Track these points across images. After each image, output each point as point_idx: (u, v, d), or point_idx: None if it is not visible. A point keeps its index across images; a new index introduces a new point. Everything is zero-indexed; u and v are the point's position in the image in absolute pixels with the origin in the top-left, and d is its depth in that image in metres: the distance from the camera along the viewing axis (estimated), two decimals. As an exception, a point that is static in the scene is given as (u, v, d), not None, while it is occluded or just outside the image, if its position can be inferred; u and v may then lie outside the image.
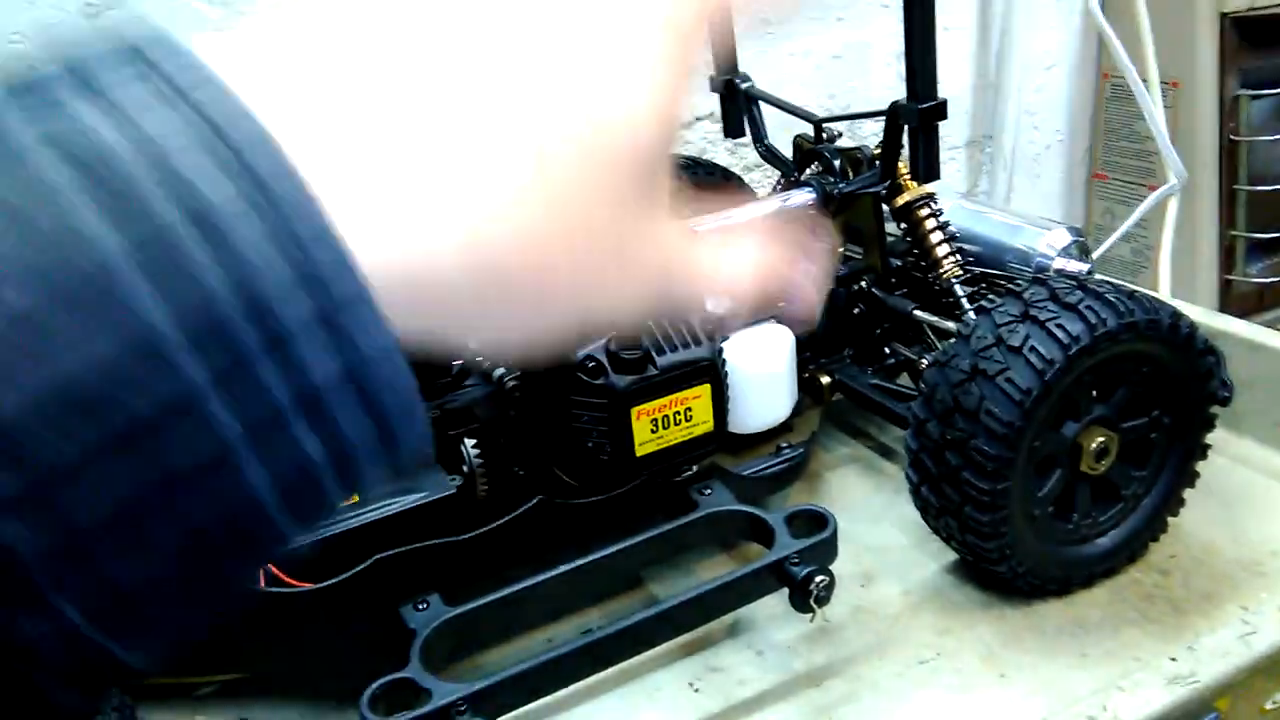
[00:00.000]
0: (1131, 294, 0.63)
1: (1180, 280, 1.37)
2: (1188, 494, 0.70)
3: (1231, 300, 1.44)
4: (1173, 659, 0.52)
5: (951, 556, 0.72)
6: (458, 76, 0.22)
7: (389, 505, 0.64)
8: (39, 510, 0.17)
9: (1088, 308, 0.61)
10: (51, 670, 0.18)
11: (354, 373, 0.20)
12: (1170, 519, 0.70)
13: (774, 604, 0.68)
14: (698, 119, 1.22)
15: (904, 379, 0.85)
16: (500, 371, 0.67)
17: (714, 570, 0.72)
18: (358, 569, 0.58)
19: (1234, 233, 1.43)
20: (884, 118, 0.73)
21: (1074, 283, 0.63)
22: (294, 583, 0.59)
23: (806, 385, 0.82)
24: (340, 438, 0.20)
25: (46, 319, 0.17)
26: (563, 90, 0.22)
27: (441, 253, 0.21)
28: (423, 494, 0.65)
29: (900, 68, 1.35)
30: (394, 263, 0.21)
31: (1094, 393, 0.65)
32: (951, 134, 1.43)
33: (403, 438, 0.21)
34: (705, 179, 1.00)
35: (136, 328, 0.17)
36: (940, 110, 0.68)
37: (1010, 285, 0.65)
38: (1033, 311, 0.61)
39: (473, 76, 0.22)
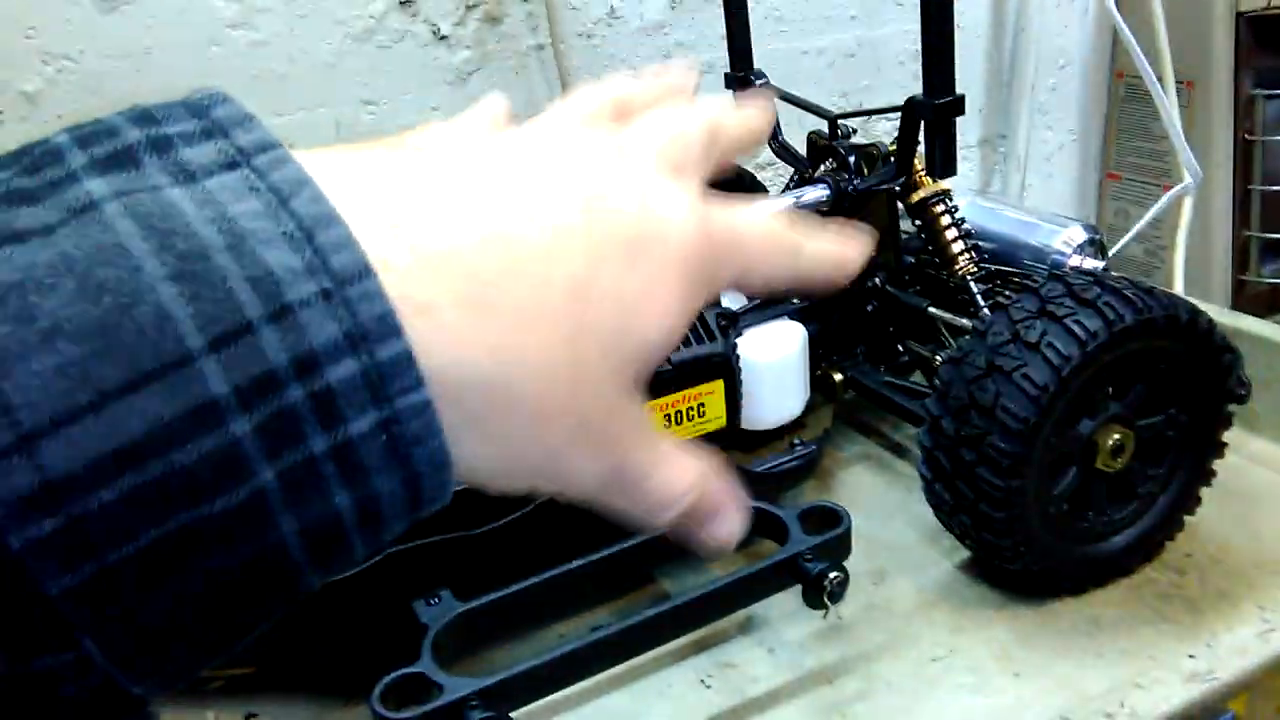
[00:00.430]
0: (1150, 290, 0.62)
1: (1194, 280, 1.36)
2: (1204, 493, 0.69)
3: (1245, 300, 1.43)
4: (1191, 656, 0.51)
5: (965, 554, 0.71)
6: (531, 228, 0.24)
7: (401, 499, 0.64)
8: (73, 550, 0.17)
9: (1106, 304, 0.60)
10: (64, 700, 0.18)
11: (389, 429, 0.20)
12: (1186, 518, 0.70)
13: (787, 601, 0.68)
14: (710, 117, 1.22)
15: (917, 376, 0.85)
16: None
17: (726, 568, 0.71)
18: (370, 563, 0.58)
19: (1248, 233, 1.42)
20: (900, 113, 0.73)
21: (1091, 279, 0.63)
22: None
23: (819, 382, 0.82)
24: (370, 492, 0.21)
25: (98, 370, 0.17)
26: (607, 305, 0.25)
27: (474, 357, 0.22)
28: (435, 488, 0.65)
29: (914, 67, 1.35)
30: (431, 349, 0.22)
31: (1110, 390, 0.64)
32: (964, 133, 1.42)
33: (429, 493, 0.22)
34: (717, 176, 1.00)
35: (190, 388, 0.18)
36: (957, 105, 0.68)
37: (1026, 282, 0.65)
38: (1050, 307, 0.61)
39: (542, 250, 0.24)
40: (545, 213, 0.24)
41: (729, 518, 0.30)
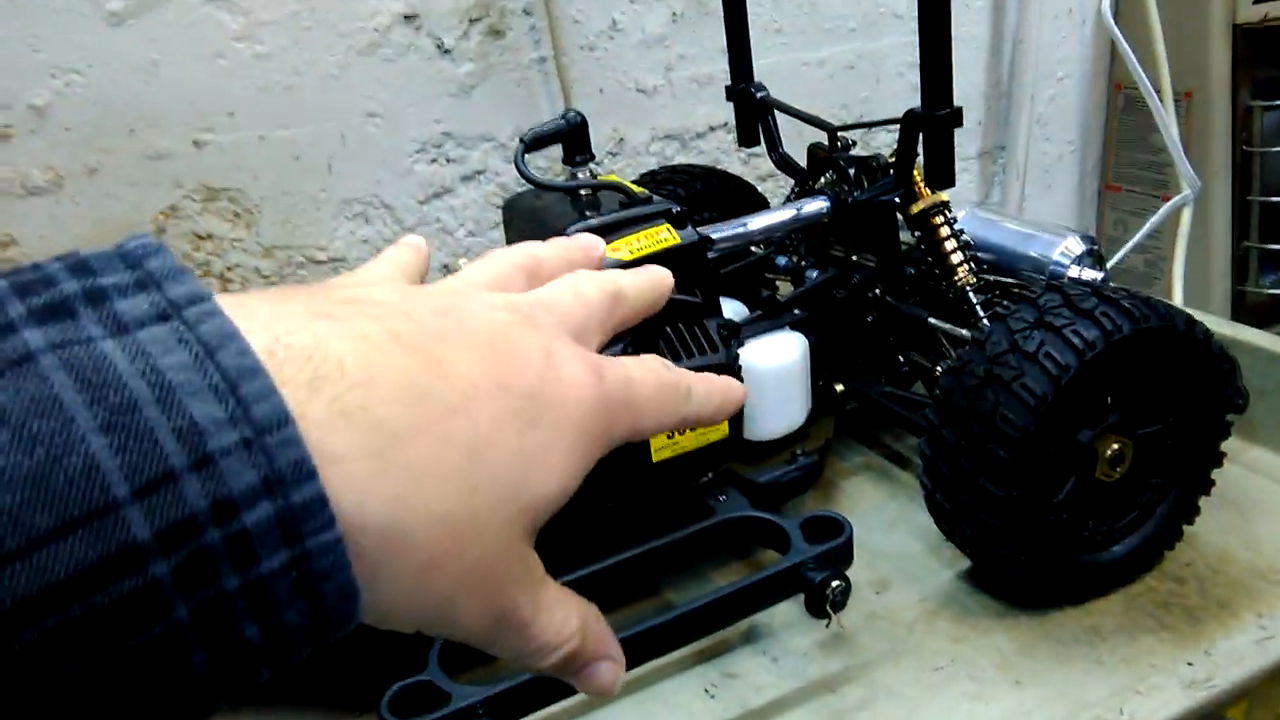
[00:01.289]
0: (1146, 300, 0.63)
1: (1193, 291, 1.37)
2: (1203, 502, 0.70)
3: (1245, 311, 1.44)
4: (1189, 664, 0.52)
5: (966, 564, 0.72)
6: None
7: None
8: None
9: (1103, 314, 0.61)
10: None
11: (300, 566, 0.21)
12: (1186, 527, 0.70)
13: (789, 611, 0.68)
14: (712, 129, 1.23)
15: (918, 387, 0.85)
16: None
17: (729, 578, 0.72)
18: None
19: (1247, 244, 1.43)
20: (899, 125, 0.73)
21: (1088, 289, 0.63)
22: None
23: (821, 393, 0.82)
24: (280, 623, 0.22)
25: (28, 518, 0.19)
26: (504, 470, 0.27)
27: (375, 506, 0.23)
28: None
29: (914, 78, 1.36)
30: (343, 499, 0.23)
31: (1109, 399, 0.65)
32: (964, 145, 1.43)
33: (337, 622, 0.23)
34: (719, 187, 1.01)
35: (115, 534, 0.19)
36: (955, 117, 0.69)
37: (1024, 292, 0.66)
38: (1047, 317, 0.61)
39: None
40: (454, 374, 0.26)
41: (608, 666, 0.32)
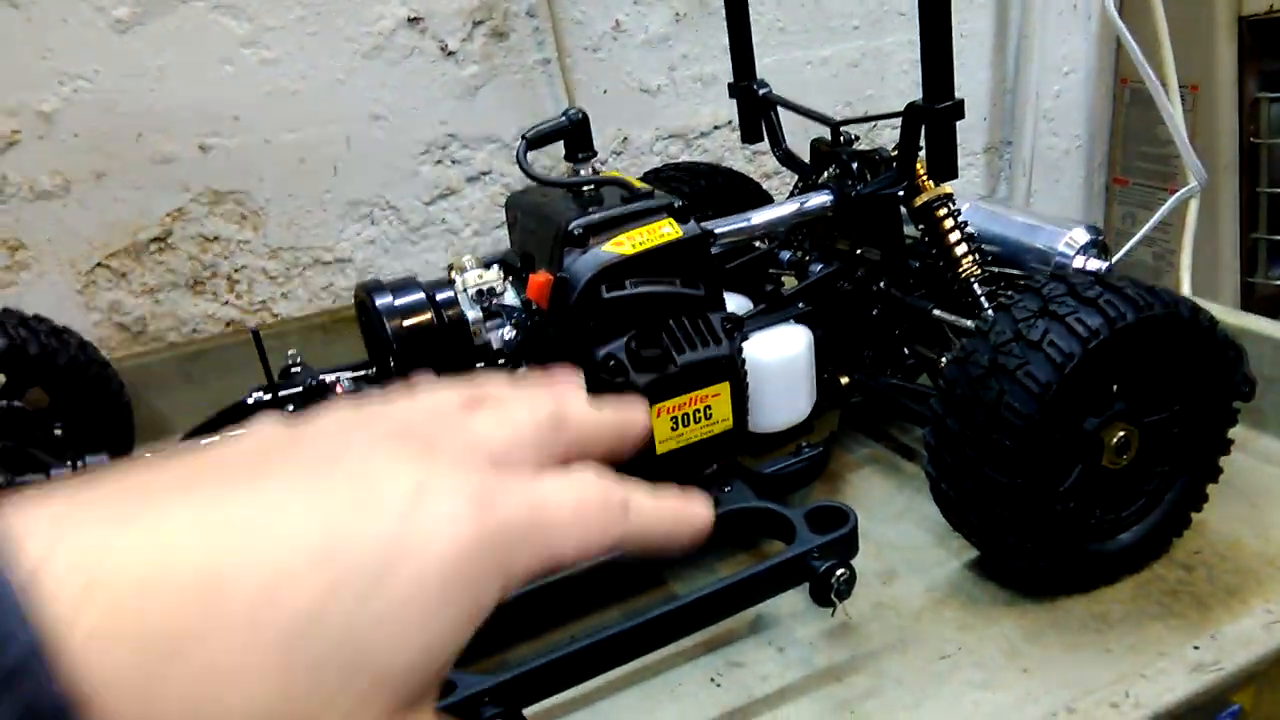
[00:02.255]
0: (1150, 288, 0.63)
1: (1202, 283, 1.37)
2: (1211, 490, 0.70)
3: (1254, 303, 1.44)
4: (1195, 647, 0.52)
5: (973, 554, 0.72)
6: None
7: (413, 503, 0.65)
8: None
9: (1107, 302, 0.61)
10: None
11: None
12: (1194, 515, 0.70)
13: (795, 601, 0.68)
14: (716, 127, 1.23)
15: (924, 379, 0.85)
16: (522, 371, 0.68)
17: (735, 569, 0.72)
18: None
19: (1255, 235, 1.42)
20: (901, 119, 0.73)
21: (1092, 278, 0.63)
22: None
23: (826, 386, 0.82)
24: None
25: None
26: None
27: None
28: (446, 492, 0.66)
29: (917, 75, 1.36)
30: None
31: (1114, 387, 0.65)
32: (970, 140, 1.43)
33: None
34: (724, 184, 1.01)
35: None
36: (957, 110, 0.69)
37: (1028, 282, 0.66)
38: (1051, 306, 0.61)
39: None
40: (272, 545, 0.23)
41: None
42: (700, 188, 0.98)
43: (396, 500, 0.24)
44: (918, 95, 0.72)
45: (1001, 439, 0.60)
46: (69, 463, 0.68)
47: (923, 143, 0.75)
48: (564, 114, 0.69)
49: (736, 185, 1.01)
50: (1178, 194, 1.27)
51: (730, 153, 1.25)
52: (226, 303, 1.05)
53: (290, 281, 1.07)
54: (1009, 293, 0.67)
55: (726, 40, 0.91)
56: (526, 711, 0.54)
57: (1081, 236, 0.80)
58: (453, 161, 1.11)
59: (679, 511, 0.31)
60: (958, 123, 0.71)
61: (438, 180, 1.10)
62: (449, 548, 0.25)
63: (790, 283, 0.86)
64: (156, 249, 1.00)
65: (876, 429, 0.90)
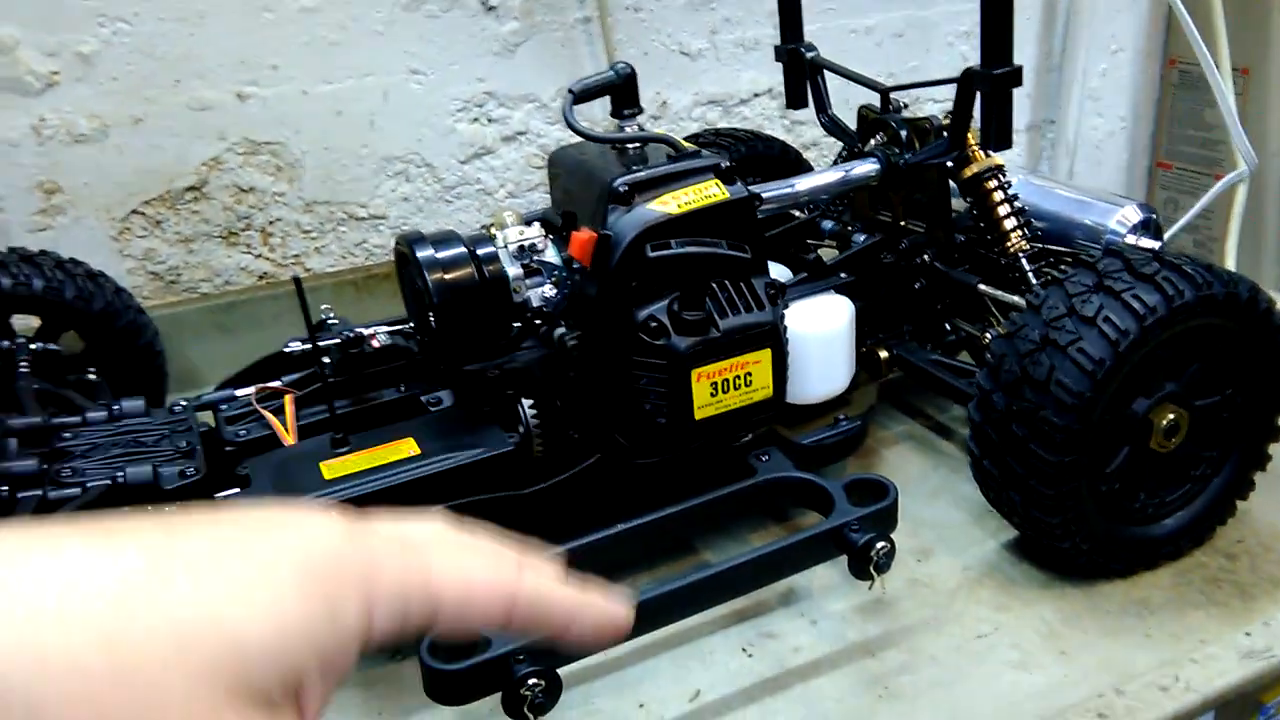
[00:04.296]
0: (1209, 267, 0.61)
1: (1244, 272, 1.34)
2: (1258, 477, 0.68)
3: (1297, 294, 1.41)
4: (1247, 634, 0.51)
5: (1010, 534, 0.70)
6: None
7: (448, 459, 0.64)
8: None
9: (1164, 279, 0.59)
10: None
11: None
12: (1239, 502, 0.68)
13: (829, 574, 0.67)
14: (756, 95, 1.21)
15: (964, 356, 0.84)
16: (560, 331, 0.67)
17: (766, 539, 0.71)
18: (417, 519, 0.59)
19: (1302, 225, 1.39)
20: (955, 85, 0.72)
21: (1150, 254, 0.62)
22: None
23: (864, 360, 0.81)
24: None
25: None
26: None
27: None
28: (481, 450, 0.65)
29: (963, 48, 1.33)
30: None
31: (1166, 368, 0.63)
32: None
33: None
34: (764, 152, 0.99)
35: None
36: (1015, 76, 0.67)
37: (1082, 256, 0.64)
38: (1107, 282, 0.60)
39: None
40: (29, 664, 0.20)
41: None
42: (740, 154, 0.96)
43: (189, 602, 0.22)
44: (961, 68, 0.70)
45: (1050, 416, 0.59)
46: (105, 407, 0.68)
47: (975, 111, 0.73)
48: (612, 68, 0.68)
49: (777, 153, 1.00)
50: (1226, 178, 1.24)
51: (769, 121, 1.23)
52: (260, 255, 1.04)
53: (324, 236, 1.06)
54: (1061, 267, 0.65)
55: (770, 4, 0.89)
56: (560, 672, 0.53)
57: (1134, 215, 0.78)
58: (489, 120, 1.09)
59: (588, 601, 0.29)
60: (1010, 93, 0.69)
61: (473, 139, 1.09)
62: (314, 542, 0.24)
63: (829, 255, 0.85)
64: (192, 198, 0.99)
65: (911, 405, 0.89)
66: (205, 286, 1.03)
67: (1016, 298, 0.74)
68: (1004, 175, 0.77)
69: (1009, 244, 0.77)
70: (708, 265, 0.64)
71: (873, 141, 0.82)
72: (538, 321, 0.68)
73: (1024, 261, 0.76)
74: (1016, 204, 0.78)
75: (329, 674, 0.24)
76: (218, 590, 0.22)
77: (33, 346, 0.78)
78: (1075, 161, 1.43)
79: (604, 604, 0.30)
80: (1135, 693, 0.47)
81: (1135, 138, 1.51)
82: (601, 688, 0.60)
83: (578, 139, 0.69)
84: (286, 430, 0.67)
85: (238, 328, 1.00)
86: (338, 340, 0.69)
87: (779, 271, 0.79)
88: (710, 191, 0.65)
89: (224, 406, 0.70)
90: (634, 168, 0.65)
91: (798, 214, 0.90)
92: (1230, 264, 1.28)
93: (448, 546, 0.27)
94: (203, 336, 0.98)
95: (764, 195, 0.73)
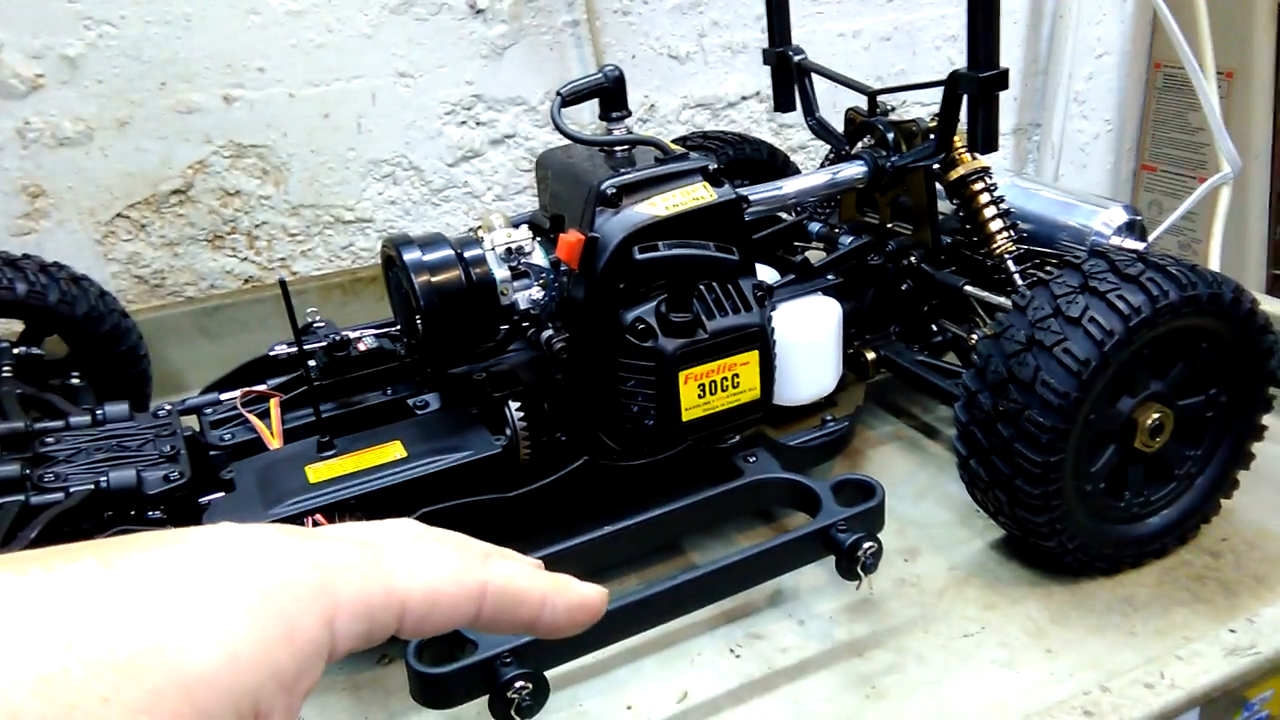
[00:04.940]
0: (1194, 267, 0.62)
1: (1228, 273, 1.35)
2: (1241, 476, 0.69)
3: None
4: (1232, 630, 0.51)
5: (997, 534, 0.71)
6: None
7: (435, 462, 0.64)
8: None
9: (1149, 279, 0.59)
10: None
11: None
12: (1223, 501, 0.69)
13: (816, 575, 0.67)
14: (744, 98, 1.22)
15: (950, 357, 0.84)
16: (548, 334, 0.67)
17: (752, 540, 0.71)
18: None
19: (1285, 227, 1.40)
20: (941, 88, 0.72)
21: (1134, 255, 0.62)
22: (340, 534, 0.59)
23: (851, 361, 0.81)
24: None
25: None
26: None
27: None
28: (468, 452, 0.65)
29: (950, 51, 1.34)
30: None
31: (1150, 367, 0.63)
32: (998, 121, 1.41)
33: None
34: (752, 155, 0.99)
35: None
36: (1002, 79, 0.67)
37: (1069, 258, 0.64)
38: (1092, 283, 0.60)
39: None
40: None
41: None
42: (728, 157, 0.96)
43: (140, 626, 0.22)
44: (948, 72, 0.70)
45: (1036, 417, 0.59)
46: (89, 412, 0.67)
47: (962, 114, 0.73)
48: (600, 70, 0.68)
49: (766, 156, 1.00)
50: (1210, 180, 1.25)
51: (756, 124, 1.23)
52: (246, 259, 1.04)
53: (310, 240, 1.06)
54: (1047, 268, 0.65)
55: (758, 8, 0.89)
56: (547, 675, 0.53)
57: (1119, 216, 0.79)
58: (477, 123, 1.09)
59: (558, 584, 0.28)
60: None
61: (461, 142, 1.09)
62: (265, 562, 0.23)
63: (816, 258, 0.85)
64: (177, 201, 0.99)
65: (897, 406, 0.89)
66: (190, 290, 1.02)
67: (1002, 299, 0.74)
68: (990, 177, 0.77)
69: (995, 246, 0.77)
70: (695, 267, 0.64)
71: (860, 144, 0.82)
72: (525, 324, 0.68)
73: (1010, 263, 0.77)
74: (1002, 206, 0.78)
75: (293, 692, 0.23)
76: (160, 620, 0.21)
77: (16, 351, 0.77)
78: (1060, 164, 1.44)
79: (576, 585, 0.30)
80: (1121, 690, 0.47)
81: (1120, 140, 1.52)
82: (589, 689, 0.60)
83: (566, 141, 0.69)
84: (272, 434, 0.67)
85: (222, 332, 1.00)
86: (324, 343, 0.69)
87: (766, 273, 0.80)
88: (698, 194, 0.65)
89: (208, 410, 0.69)
90: (622, 170, 0.65)
91: (785, 216, 0.91)
92: (1214, 266, 1.29)
93: (408, 548, 0.27)
94: (187, 340, 0.98)
95: (751, 198, 0.73)
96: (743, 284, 0.67)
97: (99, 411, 0.67)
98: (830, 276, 0.80)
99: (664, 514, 0.63)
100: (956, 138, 0.76)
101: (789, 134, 1.25)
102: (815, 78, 0.88)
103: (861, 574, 0.60)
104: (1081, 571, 0.66)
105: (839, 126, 0.86)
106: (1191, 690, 0.47)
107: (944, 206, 0.82)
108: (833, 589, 0.67)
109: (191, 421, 0.69)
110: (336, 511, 0.61)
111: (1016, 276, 0.76)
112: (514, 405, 0.67)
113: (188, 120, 0.97)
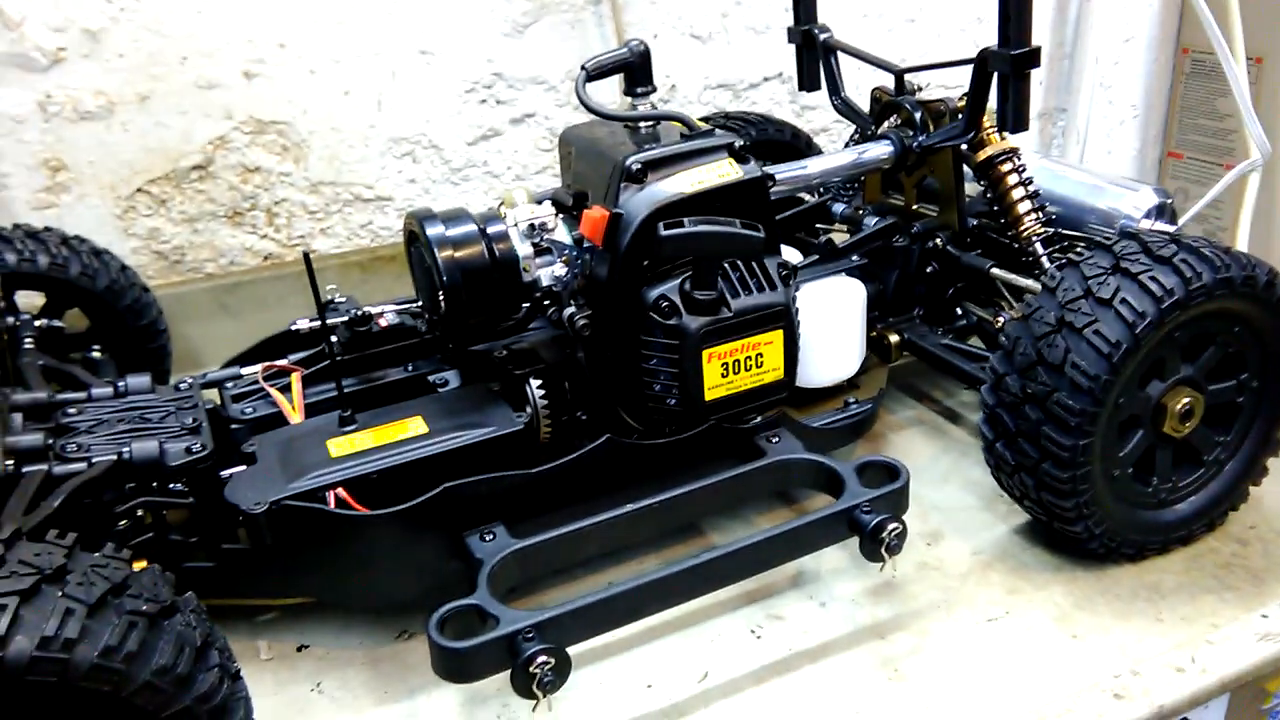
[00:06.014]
0: (1228, 249, 0.61)
1: (1255, 262, 1.33)
2: (1271, 463, 0.68)
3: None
4: (1264, 615, 0.50)
5: (1021, 518, 0.70)
6: None
7: (456, 438, 0.64)
8: None
9: (1182, 261, 0.58)
10: None
11: None
12: (1252, 488, 0.68)
13: (837, 557, 0.67)
14: (766, 79, 1.20)
15: (974, 340, 0.83)
16: (570, 311, 0.66)
17: (772, 522, 0.70)
18: (426, 496, 0.58)
19: (1313, 215, 1.38)
20: (970, 67, 0.71)
21: (1167, 236, 0.61)
22: (361, 509, 0.59)
23: (874, 344, 0.81)
24: None
25: None
26: None
27: None
28: (490, 429, 0.65)
29: (976, 34, 1.32)
30: None
31: (1182, 352, 0.62)
32: (1022, 105, 1.39)
33: None
34: (775, 136, 0.99)
35: None
36: (1034, 56, 0.66)
37: (1100, 239, 0.63)
38: (1124, 264, 0.59)
39: None
40: None
41: None
42: (751, 138, 0.95)
43: None
44: (973, 53, 0.69)
45: (1065, 399, 0.58)
46: (110, 384, 0.67)
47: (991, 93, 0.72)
48: (626, 45, 0.67)
49: (788, 137, 0.99)
50: (1239, 167, 1.23)
51: (779, 106, 1.22)
52: (265, 236, 1.03)
53: (330, 217, 1.05)
54: (1078, 249, 0.64)
55: (786, -15, 0.88)
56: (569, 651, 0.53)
57: (1149, 199, 0.77)
58: (498, 102, 1.09)
59: None
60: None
61: (481, 120, 1.08)
62: None
63: (840, 239, 0.84)
64: (197, 177, 0.99)
65: (920, 391, 0.88)
66: (210, 266, 1.02)
67: (1031, 281, 0.73)
68: (1019, 158, 0.76)
69: (1023, 228, 0.76)
70: (721, 244, 0.63)
71: (886, 124, 0.81)
72: (547, 301, 0.68)
73: (1038, 245, 0.76)
74: (1031, 187, 0.77)
75: None
76: None
77: (37, 323, 0.77)
78: (1085, 150, 1.42)
79: None
80: (1151, 674, 0.47)
81: (1146, 127, 1.50)
82: (610, 667, 0.59)
83: (589, 118, 0.68)
84: (294, 408, 0.67)
85: (242, 308, 0.99)
86: (345, 318, 0.69)
87: (789, 254, 0.79)
88: (723, 170, 0.65)
89: (230, 384, 0.69)
90: (647, 146, 0.65)
91: (807, 198, 0.90)
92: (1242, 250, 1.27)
93: None
94: (207, 317, 0.98)
95: (777, 176, 0.72)
96: (768, 263, 0.66)
97: (120, 384, 0.67)
98: (854, 258, 0.79)
99: (686, 493, 0.62)
100: (985, 118, 0.75)
101: (811, 116, 1.24)
102: (841, 58, 0.87)
103: (885, 555, 0.59)
104: (1107, 557, 0.65)
105: (864, 107, 0.85)
106: (1223, 675, 0.47)
107: (971, 188, 0.81)
108: (854, 571, 0.66)
109: (213, 395, 0.69)
110: (357, 485, 0.61)
111: (1045, 259, 0.75)
112: (535, 383, 0.66)
113: (208, 96, 0.96)
